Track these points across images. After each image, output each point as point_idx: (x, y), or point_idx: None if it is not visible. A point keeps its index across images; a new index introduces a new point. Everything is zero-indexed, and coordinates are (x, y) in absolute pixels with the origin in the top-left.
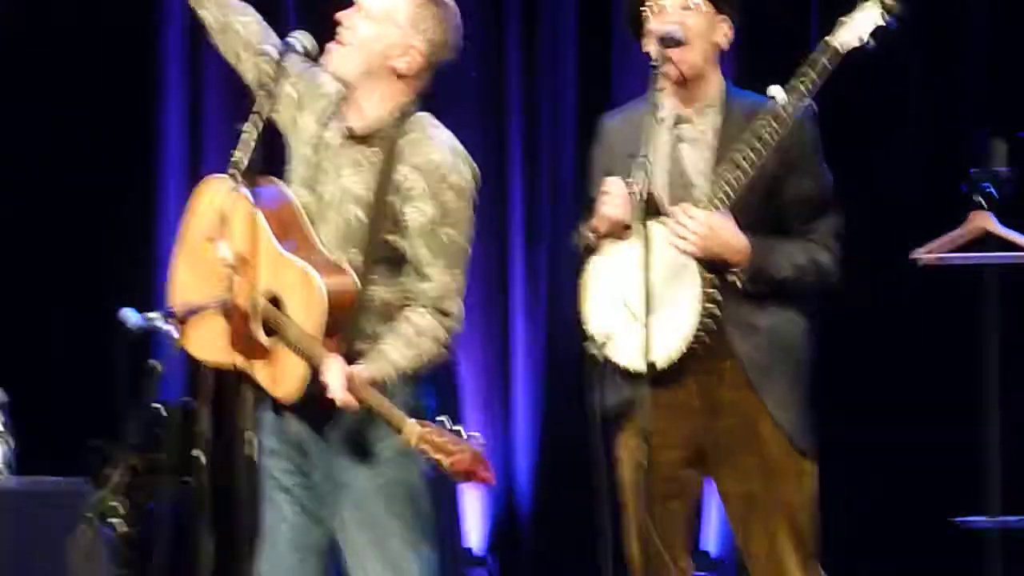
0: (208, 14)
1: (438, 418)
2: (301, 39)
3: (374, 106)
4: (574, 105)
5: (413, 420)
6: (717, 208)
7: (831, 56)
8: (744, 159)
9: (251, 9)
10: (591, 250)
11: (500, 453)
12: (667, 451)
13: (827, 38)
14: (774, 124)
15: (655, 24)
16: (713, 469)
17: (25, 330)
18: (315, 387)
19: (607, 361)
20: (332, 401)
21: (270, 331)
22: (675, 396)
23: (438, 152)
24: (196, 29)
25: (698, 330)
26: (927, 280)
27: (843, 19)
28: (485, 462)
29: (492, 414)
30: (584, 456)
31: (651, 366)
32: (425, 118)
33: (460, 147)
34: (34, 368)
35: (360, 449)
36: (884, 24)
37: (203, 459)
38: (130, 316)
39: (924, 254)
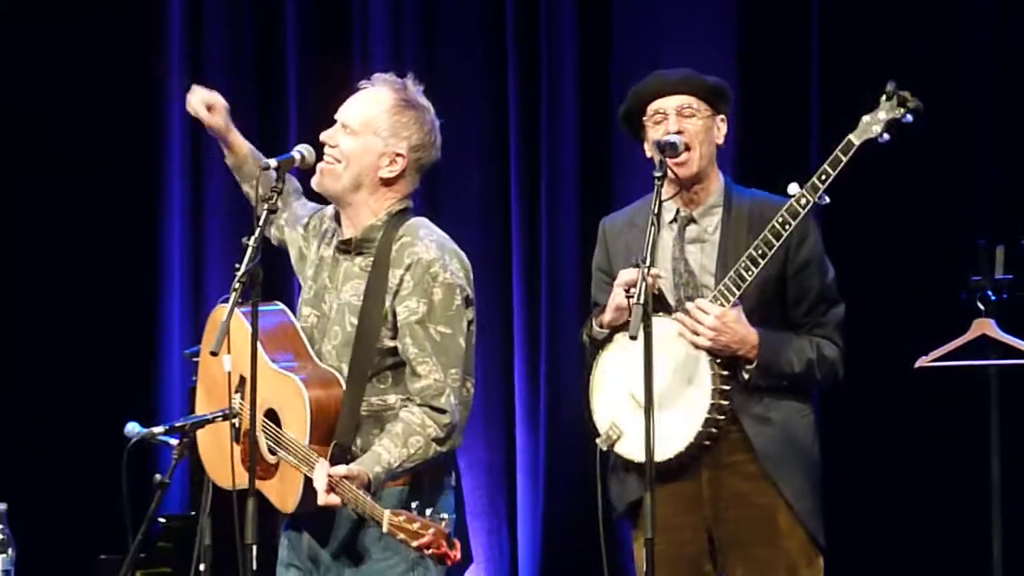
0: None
1: (412, 504)
2: (302, 151)
3: (365, 216)
4: (574, 205)
5: (387, 510)
6: (729, 302)
7: (847, 150)
8: (760, 254)
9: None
10: (598, 345)
11: (506, 554)
12: (685, 546)
13: (850, 135)
14: (791, 220)
15: (656, 134)
16: (723, 561)
17: (28, 441)
18: (314, 499)
19: (618, 457)
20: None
21: (273, 448)
22: (686, 488)
23: (427, 251)
24: (198, 133)
25: (708, 425)
26: (929, 386)
27: (865, 117)
28: (451, 541)
29: (497, 518)
30: (586, 554)
31: (652, 462)
32: (417, 222)
33: (451, 245)
34: (38, 480)
35: (366, 559)
36: (899, 118)
37: (207, 572)
38: (134, 429)
39: (928, 362)
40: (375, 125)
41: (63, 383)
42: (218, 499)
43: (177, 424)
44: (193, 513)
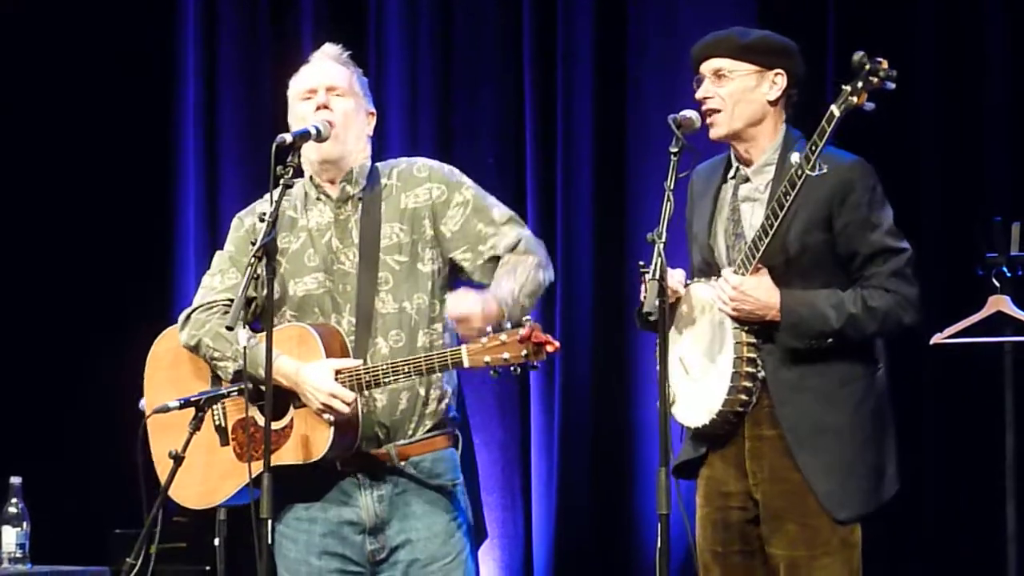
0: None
1: (488, 329)
2: (318, 125)
3: (360, 167)
4: (590, 181)
5: (463, 345)
6: (744, 269)
7: (829, 120)
8: (769, 224)
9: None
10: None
11: (520, 529)
12: (734, 511)
13: (832, 106)
14: (791, 190)
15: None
16: (763, 531)
17: (44, 417)
18: (342, 446)
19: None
20: (368, 457)
21: (281, 411)
22: (733, 456)
23: (426, 161)
24: (211, 103)
25: (733, 393)
26: (945, 363)
27: (845, 86)
28: (539, 331)
29: (512, 494)
30: (599, 529)
31: (667, 437)
32: (390, 160)
33: None
34: (53, 455)
35: (430, 523)
36: (880, 86)
37: (222, 546)
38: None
39: (943, 339)
40: (355, 87)
41: (78, 357)
42: None
43: (192, 399)
44: None
